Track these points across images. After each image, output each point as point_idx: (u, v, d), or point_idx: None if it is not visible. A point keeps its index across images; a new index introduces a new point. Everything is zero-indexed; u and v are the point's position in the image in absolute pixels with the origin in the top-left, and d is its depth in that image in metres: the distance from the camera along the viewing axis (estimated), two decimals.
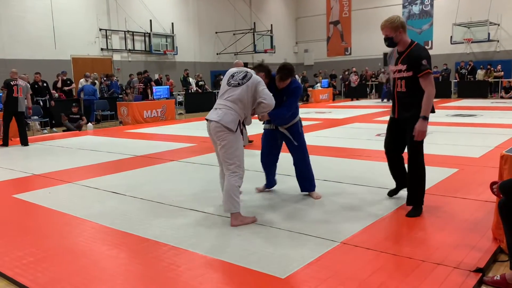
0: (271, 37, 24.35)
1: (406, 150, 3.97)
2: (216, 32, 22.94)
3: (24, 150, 8.79)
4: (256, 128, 4.76)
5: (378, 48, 22.60)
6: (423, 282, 2.66)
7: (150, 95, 15.24)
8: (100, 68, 17.55)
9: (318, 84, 21.53)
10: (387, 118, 4.26)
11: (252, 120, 4.02)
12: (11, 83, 9.20)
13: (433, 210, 3.99)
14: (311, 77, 23.98)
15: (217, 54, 23.30)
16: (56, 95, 13.74)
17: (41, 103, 12.50)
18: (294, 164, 4.56)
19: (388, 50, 4.19)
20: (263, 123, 4.60)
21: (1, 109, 9.79)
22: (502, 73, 19.94)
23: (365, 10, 25.33)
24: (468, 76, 20.60)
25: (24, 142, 9.23)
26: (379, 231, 3.55)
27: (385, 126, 4.25)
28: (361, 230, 3.56)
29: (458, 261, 2.91)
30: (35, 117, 11.85)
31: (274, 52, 24.34)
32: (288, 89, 4.28)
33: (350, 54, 26.63)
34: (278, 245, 3.31)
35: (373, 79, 23.08)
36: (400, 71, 3.83)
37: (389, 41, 3.82)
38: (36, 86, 12.47)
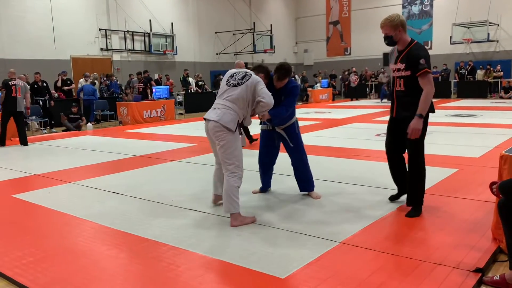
0: (271, 37, 24.35)
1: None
2: (216, 32, 22.94)
3: (23, 150, 8.79)
4: (258, 128, 4.77)
5: (378, 48, 22.63)
6: (423, 282, 2.66)
7: (150, 95, 15.24)
8: (99, 68, 17.55)
9: (318, 84, 21.54)
10: (387, 118, 4.26)
11: (252, 120, 4.02)
12: (9, 83, 9.20)
13: (433, 210, 3.99)
14: (310, 77, 23.97)
15: (217, 54, 23.31)
16: (56, 95, 13.75)
17: (41, 103, 12.51)
18: (292, 164, 4.57)
19: (388, 50, 4.19)
20: (259, 124, 4.61)
21: (0, 109, 9.79)
22: (502, 73, 19.96)
23: (365, 10, 25.35)
24: (468, 76, 20.61)
25: (24, 142, 9.23)
26: (378, 231, 3.55)
27: (385, 126, 4.25)
28: (361, 230, 3.56)
29: (457, 261, 2.91)
30: (33, 117, 11.85)
31: (274, 52, 24.35)
32: (286, 88, 4.31)
33: (349, 54, 26.66)
34: (278, 245, 3.31)
35: (373, 79, 23.09)
36: (399, 70, 3.82)
37: (389, 40, 3.82)
38: (36, 86, 12.48)
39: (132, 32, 19.05)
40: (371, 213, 3.96)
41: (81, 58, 17.24)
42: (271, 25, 24.45)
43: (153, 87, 14.83)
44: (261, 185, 4.79)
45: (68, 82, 14.60)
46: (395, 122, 4.00)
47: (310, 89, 21.06)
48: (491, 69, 20.07)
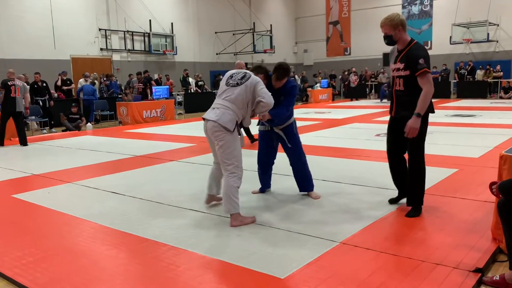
0: (271, 37, 24.35)
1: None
2: (215, 32, 22.94)
3: (23, 150, 8.79)
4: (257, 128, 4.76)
5: (378, 48, 22.65)
6: (423, 282, 2.66)
7: (149, 95, 15.24)
8: (99, 68, 17.55)
9: (318, 84, 21.54)
10: (387, 118, 4.26)
11: (252, 120, 4.02)
12: (9, 83, 9.20)
13: (433, 210, 3.99)
14: (310, 77, 23.98)
15: (217, 54, 23.31)
16: (56, 95, 13.75)
17: (41, 103, 12.51)
18: (291, 165, 4.57)
19: (387, 50, 4.19)
20: (257, 124, 4.61)
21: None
22: (501, 73, 19.96)
23: (365, 10, 25.35)
24: (468, 76, 20.61)
25: (23, 142, 9.23)
26: (378, 231, 3.55)
27: (385, 126, 4.24)
28: (361, 230, 3.56)
29: (457, 261, 2.91)
30: (33, 117, 11.85)
31: (274, 52, 24.35)
32: (284, 88, 4.33)
33: (349, 54, 26.67)
34: (278, 245, 3.31)
35: (373, 79, 23.08)
36: (398, 69, 3.82)
37: (388, 39, 3.82)
38: (35, 86, 12.48)
39: (132, 32, 19.05)
40: (370, 213, 3.96)
41: (81, 58, 17.23)
42: (271, 25, 24.46)
43: (153, 87, 14.83)
44: (260, 186, 4.79)
45: (68, 82, 14.60)
46: (394, 122, 4.01)
47: (309, 89, 21.06)
48: (491, 69, 20.08)
